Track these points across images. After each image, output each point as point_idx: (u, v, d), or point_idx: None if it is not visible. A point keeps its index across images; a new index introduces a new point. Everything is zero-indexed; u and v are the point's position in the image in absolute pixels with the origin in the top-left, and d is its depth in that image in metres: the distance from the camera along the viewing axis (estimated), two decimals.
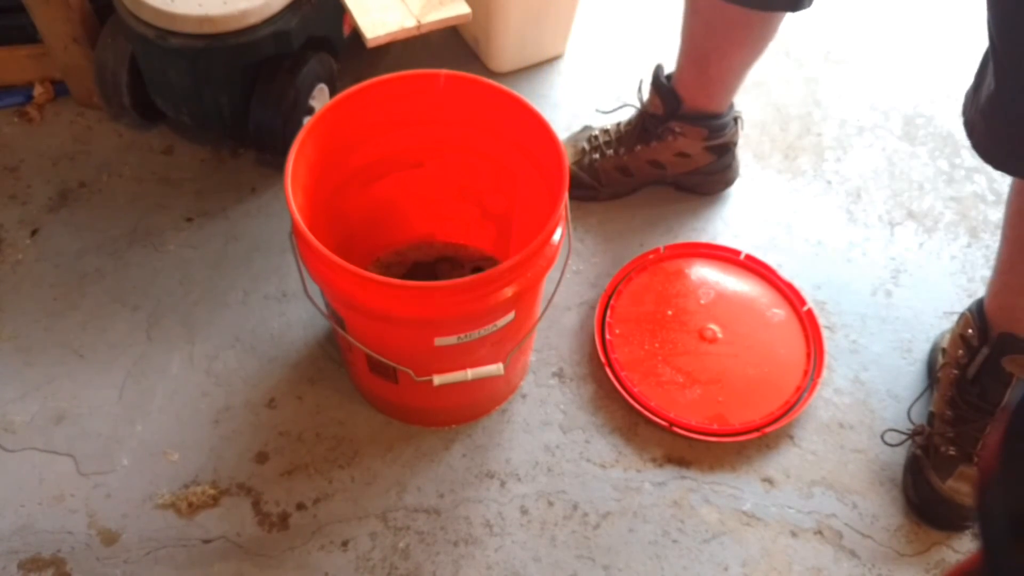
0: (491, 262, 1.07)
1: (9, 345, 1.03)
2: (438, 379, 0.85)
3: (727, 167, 1.17)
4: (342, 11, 1.07)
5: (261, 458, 0.95)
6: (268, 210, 1.16)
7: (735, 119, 1.14)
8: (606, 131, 1.17)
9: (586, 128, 1.20)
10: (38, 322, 1.04)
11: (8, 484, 0.93)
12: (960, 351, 0.95)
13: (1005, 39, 0.73)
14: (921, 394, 1.01)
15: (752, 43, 1.03)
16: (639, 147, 1.14)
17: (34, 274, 1.08)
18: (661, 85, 1.10)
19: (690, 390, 1.01)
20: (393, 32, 1.00)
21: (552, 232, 0.80)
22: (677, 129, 1.11)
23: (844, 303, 1.11)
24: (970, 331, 0.95)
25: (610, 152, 1.15)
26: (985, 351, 0.92)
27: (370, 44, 1.00)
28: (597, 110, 1.27)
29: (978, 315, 0.95)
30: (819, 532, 0.94)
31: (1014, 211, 0.88)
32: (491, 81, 0.89)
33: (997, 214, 1.21)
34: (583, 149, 1.16)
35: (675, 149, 1.13)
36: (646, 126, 1.13)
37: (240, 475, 0.94)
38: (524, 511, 0.93)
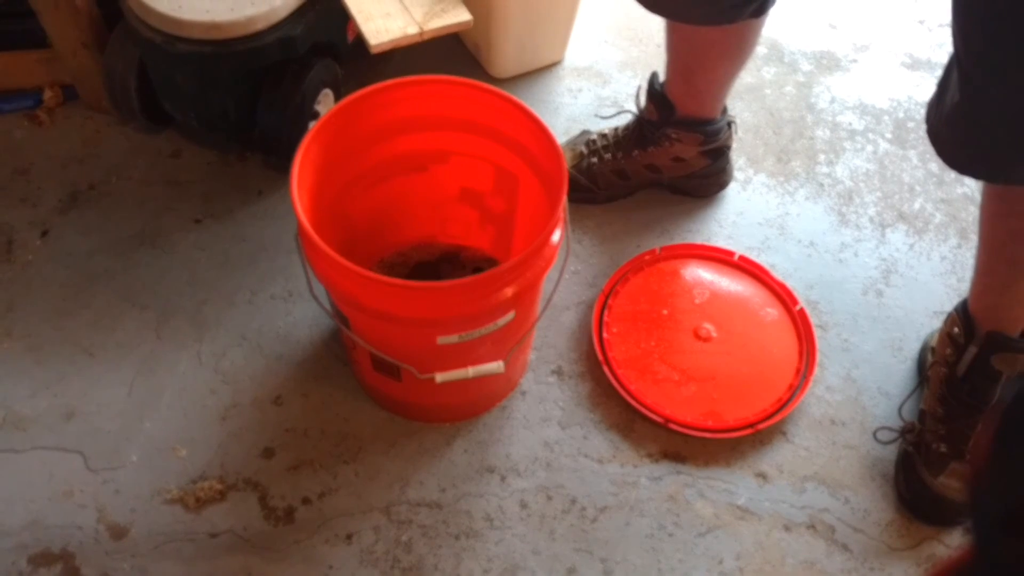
0: (492, 263, 1.09)
1: (20, 344, 1.04)
2: (440, 377, 0.86)
3: (721, 170, 1.19)
4: (346, 18, 1.08)
5: (267, 454, 0.97)
6: (274, 212, 1.18)
7: (729, 123, 1.16)
8: (604, 136, 1.19)
9: (584, 132, 1.22)
10: (48, 321, 1.06)
11: (18, 480, 0.94)
12: (948, 349, 0.97)
13: (969, 49, 0.75)
14: (912, 392, 1.03)
15: (733, 55, 1.06)
16: (636, 152, 1.16)
17: (44, 274, 1.10)
18: (655, 93, 1.12)
19: (685, 387, 1.03)
20: (396, 39, 1.02)
21: (551, 233, 0.82)
22: (673, 135, 1.13)
23: (836, 303, 1.13)
24: (956, 329, 0.96)
25: (608, 156, 1.17)
26: (973, 349, 0.93)
27: (374, 50, 1.02)
28: (596, 115, 1.29)
29: (963, 314, 0.96)
30: (812, 526, 0.95)
31: (987, 215, 0.90)
32: (492, 87, 0.91)
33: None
34: (581, 153, 1.19)
35: (671, 154, 1.15)
36: (643, 132, 1.15)
37: (247, 470, 0.96)
38: (524, 505, 0.95)
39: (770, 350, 1.07)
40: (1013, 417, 0.46)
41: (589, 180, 1.18)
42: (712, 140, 1.14)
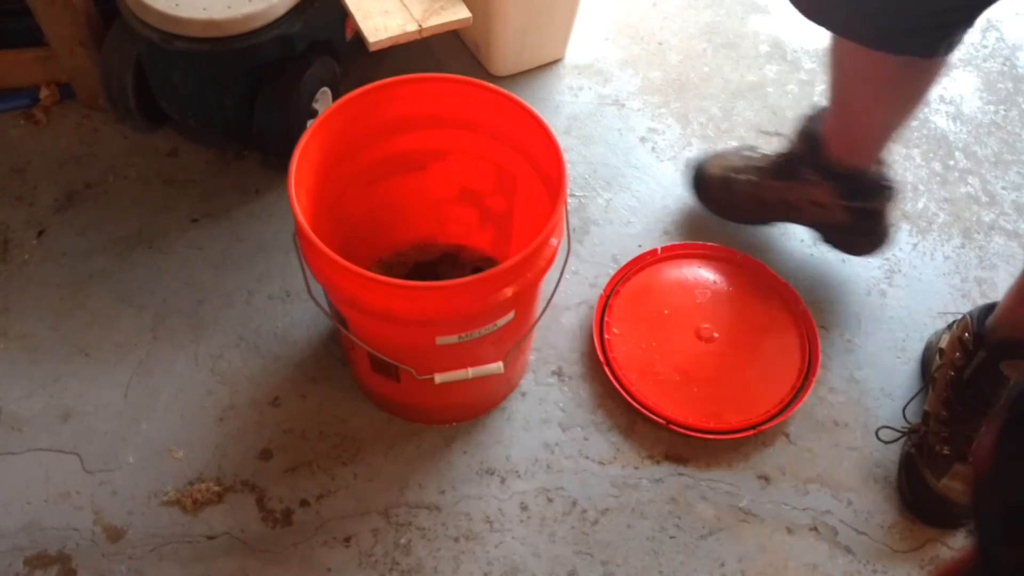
0: (491, 263, 1.09)
1: (16, 344, 1.04)
2: (439, 377, 0.86)
3: (871, 232, 1.06)
4: (344, 15, 1.08)
5: (265, 455, 0.97)
6: (272, 211, 1.17)
7: (884, 187, 1.02)
8: (757, 155, 1.12)
9: (747, 147, 1.17)
10: (44, 321, 1.06)
11: (14, 481, 0.94)
12: (957, 353, 0.96)
13: None
14: (916, 394, 1.02)
15: (896, 96, 0.93)
16: (774, 181, 1.08)
17: (41, 274, 1.10)
18: (803, 124, 1.04)
19: (687, 388, 1.02)
20: (395, 36, 1.01)
21: (551, 233, 0.82)
22: (810, 177, 1.04)
23: (839, 303, 1.12)
24: (967, 335, 0.95)
25: (751, 177, 1.11)
26: (982, 354, 0.92)
27: (372, 48, 1.01)
28: (760, 131, 1.22)
29: (978, 320, 0.95)
30: (814, 528, 0.95)
31: None
32: (492, 84, 0.90)
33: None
34: (733, 166, 1.13)
35: (808, 196, 1.05)
36: (786, 162, 1.07)
37: (244, 472, 0.95)
38: (524, 507, 0.95)
39: (772, 351, 1.06)
40: (1015, 420, 0.45)
41: (727, 195, 1.12)
42: (853, 197, 1.01)
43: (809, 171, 1.04)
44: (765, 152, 1.13)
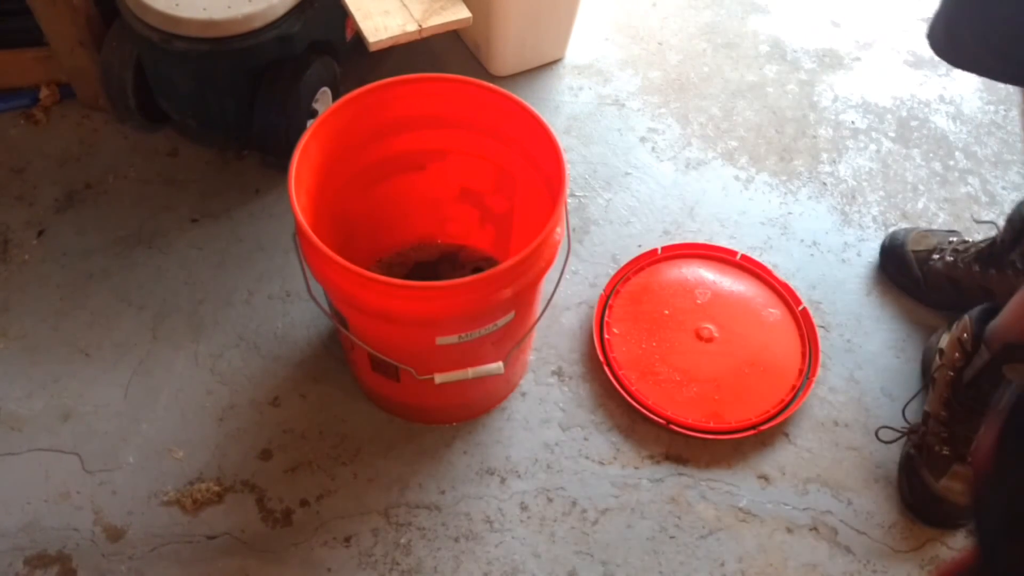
0: (491, 263, 1.09)
1: (16, 344, 1.04)
2: (439, 377, 0.86)
3: None
4: (344, 15, 1.08)
5: (265, 455, 0.97)
6: (272, 211, 1.17)
7: None
8: (961, 240, 1.09)
9: (952, 231, 1.13)
10: (44, 321, 1.06)
11: (14, 482, 0.94)
12: (956, 354, 0.96)
13: None
14: (916, 394, 1.02)
15: None
16: (976, 267, 1.04)
17: (40, 274, 1.10)
18: (1014, 210, 1.00)
19: (687, 388, 1.02)
20: (395, 36, 1.01)
21: (551, 233, 0.82)
22: (1019, 264, 0.99)
23: (839, 303, 1.12)
24: (966, 335, 0.95)
25: (949, 259, 1.07)
26: (986, 355, 0.92)
27: (372, 48, 1.01)
28: (974, 219, 1.21)
29: (977, 321, 0.95)
30: (814, 528, 0.95)
31: None
32: (492, 85, 0.90)
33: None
34: (932, 245, 1.10)
35: (1011, 286, 0.97)
36: (992, 249, 1.04)
37: (244, 472, 0.95)
38: (524, 507, 0.95)
39: (772, 351, 1.06)
40: (1015, 421, 0.45)
41: (921, 273, 1.09)
42: None
43: (1018, 258, 1.00)
44: (969, 240, 1.10)
